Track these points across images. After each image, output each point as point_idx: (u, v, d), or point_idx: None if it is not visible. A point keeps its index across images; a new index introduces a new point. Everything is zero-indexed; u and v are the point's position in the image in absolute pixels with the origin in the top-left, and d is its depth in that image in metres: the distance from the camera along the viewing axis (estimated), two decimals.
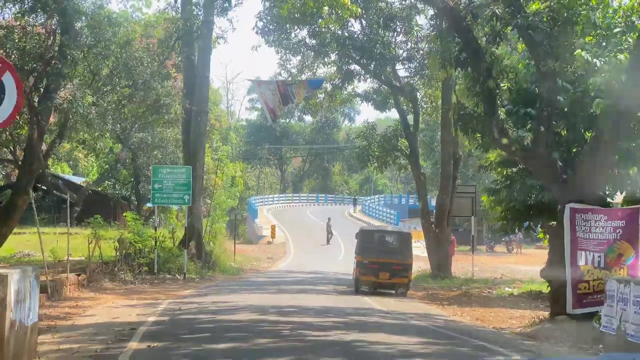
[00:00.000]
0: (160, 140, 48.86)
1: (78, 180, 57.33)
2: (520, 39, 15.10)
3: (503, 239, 71.34)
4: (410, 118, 34.01)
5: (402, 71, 33.30)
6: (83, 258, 24.93)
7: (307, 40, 32.73)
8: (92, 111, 25.02)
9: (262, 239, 59.62)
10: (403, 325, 15.54)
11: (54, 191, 54.28)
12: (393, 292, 23.63)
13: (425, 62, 30.91)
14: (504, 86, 15.13)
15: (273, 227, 58.78)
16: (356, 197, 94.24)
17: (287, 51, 33.45)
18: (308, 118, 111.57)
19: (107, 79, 26.52)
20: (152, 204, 28.77)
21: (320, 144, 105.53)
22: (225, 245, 39.91)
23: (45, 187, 55.45)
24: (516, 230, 25.16)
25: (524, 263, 50.29)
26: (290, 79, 37.27)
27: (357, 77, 35.71)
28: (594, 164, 14.41)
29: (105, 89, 26.87)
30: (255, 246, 55.93)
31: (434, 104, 36.08)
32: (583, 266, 14.73)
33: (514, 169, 24.44)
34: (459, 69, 15.36)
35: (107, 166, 55.55)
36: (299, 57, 36.60)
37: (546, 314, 17.60)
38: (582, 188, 14.63)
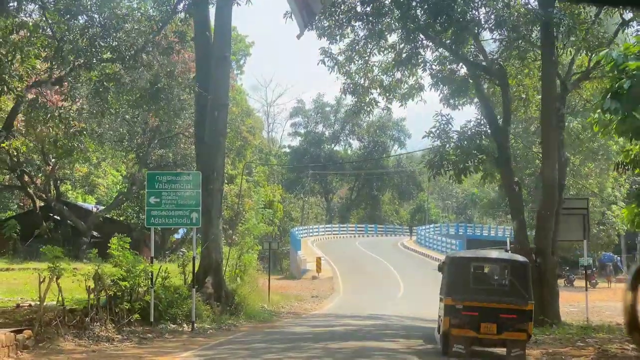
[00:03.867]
0: (183, 157, 41.28)
1: (92, 207, 49.94)
2: None
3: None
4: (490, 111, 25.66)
5: (486, 45, 25.07)
6: (53, 303, 17.20)
7: (359, 8, 24.79)
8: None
9: (306, 273, 51.59)
10: None
11: (69, 221, 47.18)
12: (503, 353, 15.19)
13: (521, 29, 22.62)
14: None
15: (318, 260, 50.62)
16: (411, 226, 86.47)
17: (334, 25, 25.49)
18: (355, 143, 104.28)
19: (80, 49, 18.78)
20: (147, 224, 20.85)
21: (369, 170, 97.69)
22: (259, 282, 31.89)
23: (58, 217, 48.38)
24: None
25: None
26: (336, 67, 29.45)
27: (423, 65, 27.66)
28: None
29: (77, 62, 19.12)
30: (298, 282, 47.86)
31: (524, 94, 27.68)
32: None
33: None
34: None
35: (125, 190, 48.02)
36: (346, 41, 28.83)
37: None
38: None
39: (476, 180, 76.26)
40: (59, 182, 49.64)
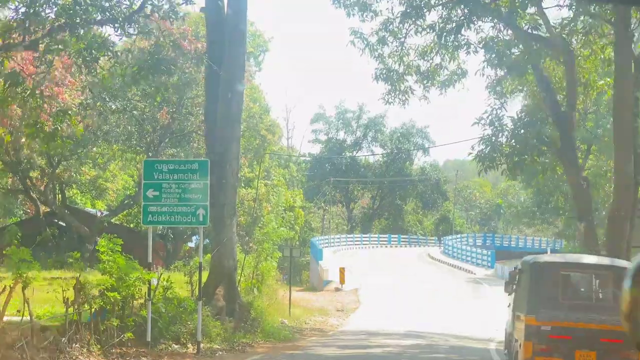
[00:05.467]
0: (197, 157, 37.79)
1: (97, 212, 46.59)
2: None
3: None
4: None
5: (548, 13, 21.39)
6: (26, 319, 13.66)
7: None
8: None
9: (329, 284, 47.89)
10: None
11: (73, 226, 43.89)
12: None
13: None
14: None
15: (342, 270, 46.95)
16: (440, 236, 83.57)
17: None
18: (378, 150, 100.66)
19: (61, 5, 15.30)
20: (143, 222, 17.30)
21: (391, 179, 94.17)
22: (279, 293, 28.35)
23: (63, 223, 45.13)
24: None
25: None
26: (367, 50, 26.18)
27: (466, 47, 24.27)
28: None
29: (57, 23, 15.62)
30: (320, 294, 44.08)
31: (585, 77, 23.93)
32: None
33: None
34: None
35: (133, 194, 44.54)
36: (379, 19, 25.61)
37: None
38: None
39: (512, 184, 72.41)
40: (64, 186, 46.51)
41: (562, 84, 23.25)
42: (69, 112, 16.38)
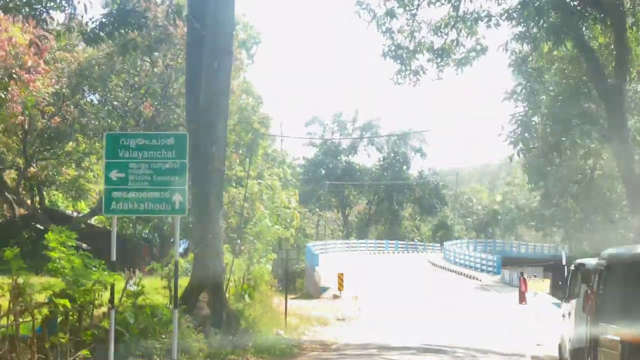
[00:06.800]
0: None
1: (73, 213, 43.46)
2: None
3: None
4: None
5: None
6: None
7: None
8: None
9: (326, 291, 44.67)
10: None
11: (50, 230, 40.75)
12: None
13: None
14: None
15: (341, 276, 43.72)
16: (442, 241, 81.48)
17: None
18: (375, 153, 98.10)
19: None
20: (105, 212, 13.96)
21: (389, 182, 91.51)
22: (273, 300, 25.15)
23: (42, 226, 41.95)
24: None
25: None
26: (374, 22, 23.16)
27: (487, 20, 21.34)
28: None
29: None
30: (317, 302, 40.81)
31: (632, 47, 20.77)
32: None
33: None
34: None
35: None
36: None
37: None
38: None
39: (509, 190, 69.13)
40: (42, 187, 43.37)
41: (602, 56, 20.12)
42: (14, 74, 13.10)
